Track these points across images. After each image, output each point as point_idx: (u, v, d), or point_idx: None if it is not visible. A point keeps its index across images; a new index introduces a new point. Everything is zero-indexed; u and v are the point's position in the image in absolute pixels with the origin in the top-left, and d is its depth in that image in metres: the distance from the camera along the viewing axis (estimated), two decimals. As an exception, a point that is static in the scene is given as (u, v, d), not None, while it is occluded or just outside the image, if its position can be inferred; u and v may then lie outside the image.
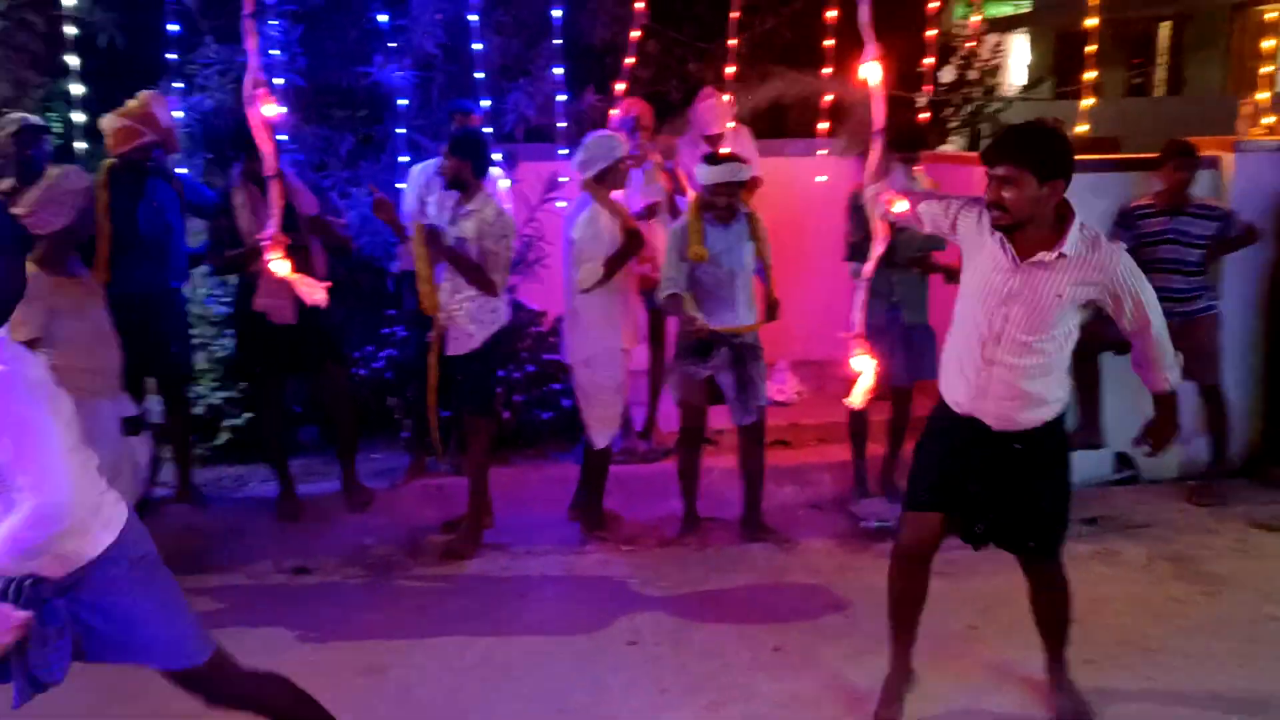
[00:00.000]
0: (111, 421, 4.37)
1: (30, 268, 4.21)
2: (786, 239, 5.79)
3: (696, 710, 3.72)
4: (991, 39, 9.65)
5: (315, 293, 4.83)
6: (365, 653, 4.15)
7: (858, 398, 4.18)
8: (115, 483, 4.30)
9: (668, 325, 5.86)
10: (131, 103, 5.20)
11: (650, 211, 5.68)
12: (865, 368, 4.04)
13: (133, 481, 4.44)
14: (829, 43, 7.21)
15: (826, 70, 7.26)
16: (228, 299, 6.00)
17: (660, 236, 5.46)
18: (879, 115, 4.14)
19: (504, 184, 6.13)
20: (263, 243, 4.74)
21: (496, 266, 4.91)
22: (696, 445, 5.21)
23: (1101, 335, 5.58)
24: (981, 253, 3.34)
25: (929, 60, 7.59)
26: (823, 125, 7.41)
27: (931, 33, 7.50)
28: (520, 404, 6.09)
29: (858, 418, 5.46)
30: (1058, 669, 3.66)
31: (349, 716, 3.68)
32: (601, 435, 5.18)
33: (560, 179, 6.32)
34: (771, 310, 5.06)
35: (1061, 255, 3.19)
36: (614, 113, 6.26)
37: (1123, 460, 5.90)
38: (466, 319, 4.96)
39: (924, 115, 7.45)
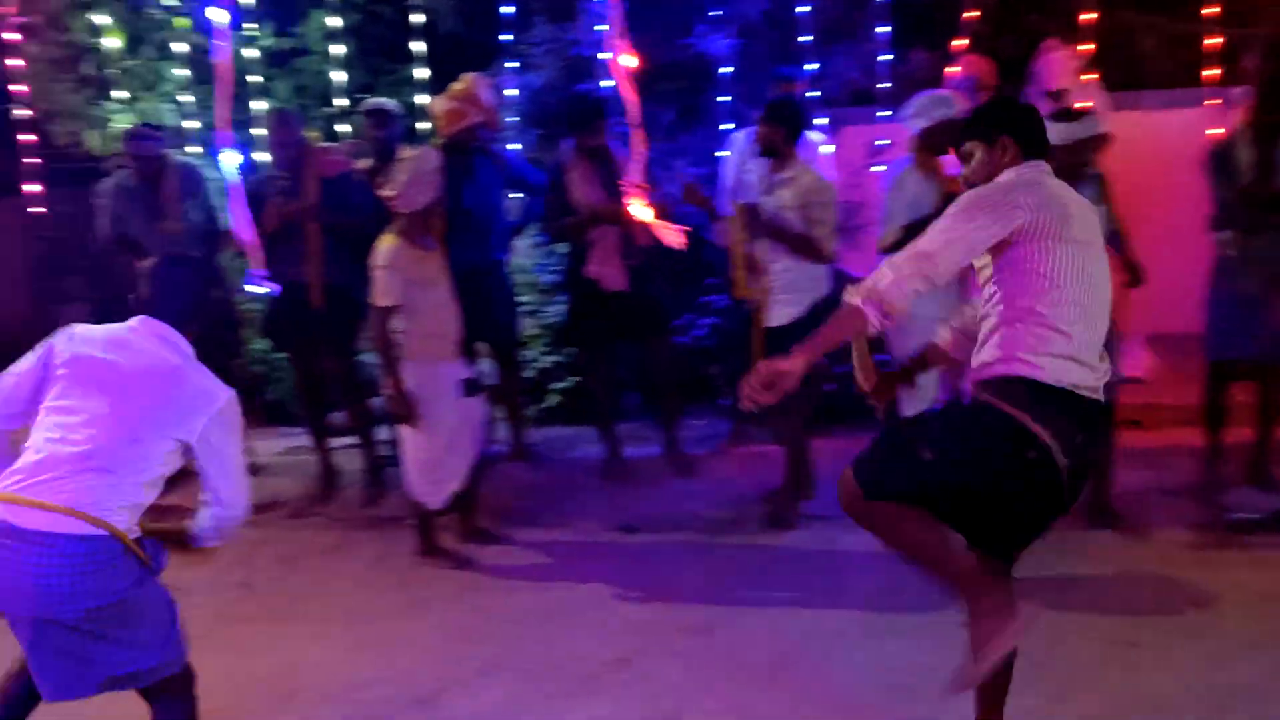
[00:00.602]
0: (453, 383, 4.65)
1: (392, 240, 4.57)
2: (1144, 201, 5.32)
3: (1036, 700, 3.42)
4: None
5: (675, 236, 5.00)
6: (691, 613, 4.17)
7: None
8: (458, 439, 4.64)
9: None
10: (457, 85, 5.46)
11: None
12: None
13: (472, 438, 4.71)
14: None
15: (1210, 9, 6.48)
16: (556, 268, 6.22)
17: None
18: None
19: (825, 150, 6.00)
20: (627, 190, 5.02)
21: (823, 233, 4.81)
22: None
23: None
24: None
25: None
26: (1209, 72, 6.62)
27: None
28: (843, 375, 5.93)
29: (1214, 397, 4.94)
30: None
31: (676, 672, 3.74)
32: (909, 404, 4.95)
33: (878, 142, 6.11)
34: (1135, 276, 4.70)
35: None
36: (952, 71, 5.95)
37: None
38: (785, 289, 4.89)
39: None
